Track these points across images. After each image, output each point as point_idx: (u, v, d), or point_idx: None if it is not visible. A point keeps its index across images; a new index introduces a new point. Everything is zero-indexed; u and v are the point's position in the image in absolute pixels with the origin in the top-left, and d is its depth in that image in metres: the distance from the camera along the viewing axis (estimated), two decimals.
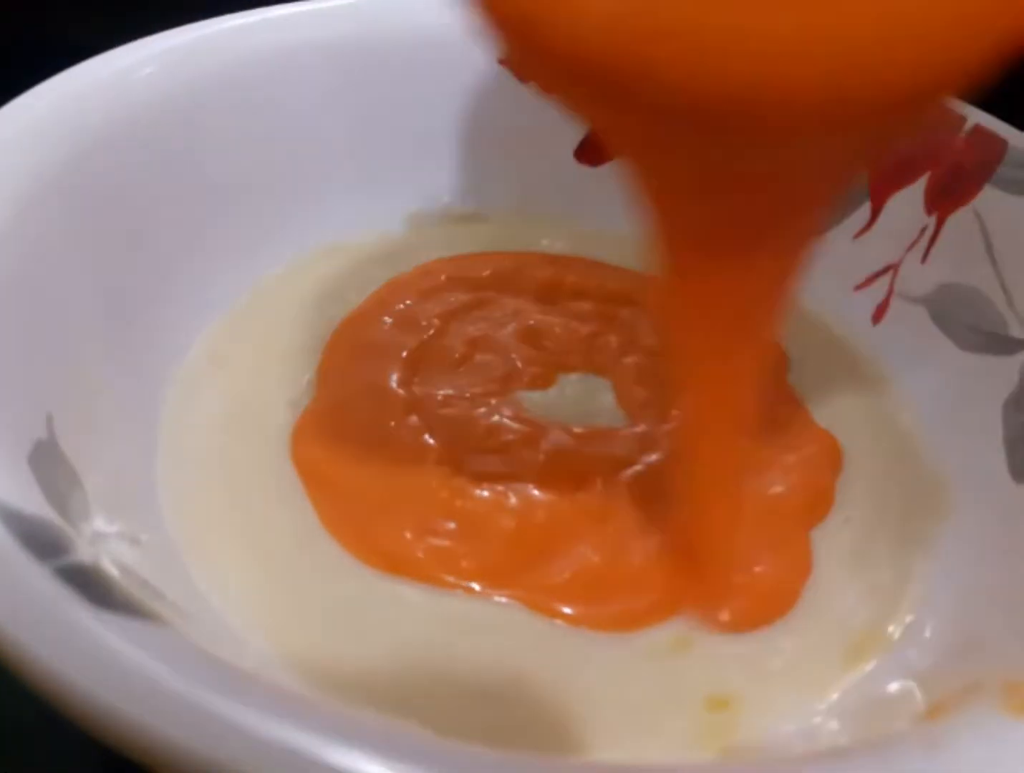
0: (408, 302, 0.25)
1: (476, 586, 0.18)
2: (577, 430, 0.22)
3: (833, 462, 0.22)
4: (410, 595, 0.18)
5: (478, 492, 0.20)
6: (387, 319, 0.24)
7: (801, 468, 0.21)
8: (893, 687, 0.17)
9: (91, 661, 0.11)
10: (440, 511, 0.19)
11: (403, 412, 0.21)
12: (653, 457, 0.21)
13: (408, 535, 0.19)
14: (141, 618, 0.12)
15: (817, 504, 0.21)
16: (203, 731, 0.11)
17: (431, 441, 0.21)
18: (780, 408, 0.23)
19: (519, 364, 0.23)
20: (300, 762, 0.11)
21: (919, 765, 0.11)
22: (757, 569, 0.19)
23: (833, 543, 0.20)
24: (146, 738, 0.11)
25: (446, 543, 0.19)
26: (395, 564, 0.19)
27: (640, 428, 0.22)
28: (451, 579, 0.18)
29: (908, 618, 0.19)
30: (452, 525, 0.19)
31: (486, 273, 0.26)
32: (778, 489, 0.21)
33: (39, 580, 0.12)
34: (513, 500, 0.20)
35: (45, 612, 0.12)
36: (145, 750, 0.11)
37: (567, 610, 0.18)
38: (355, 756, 0.11)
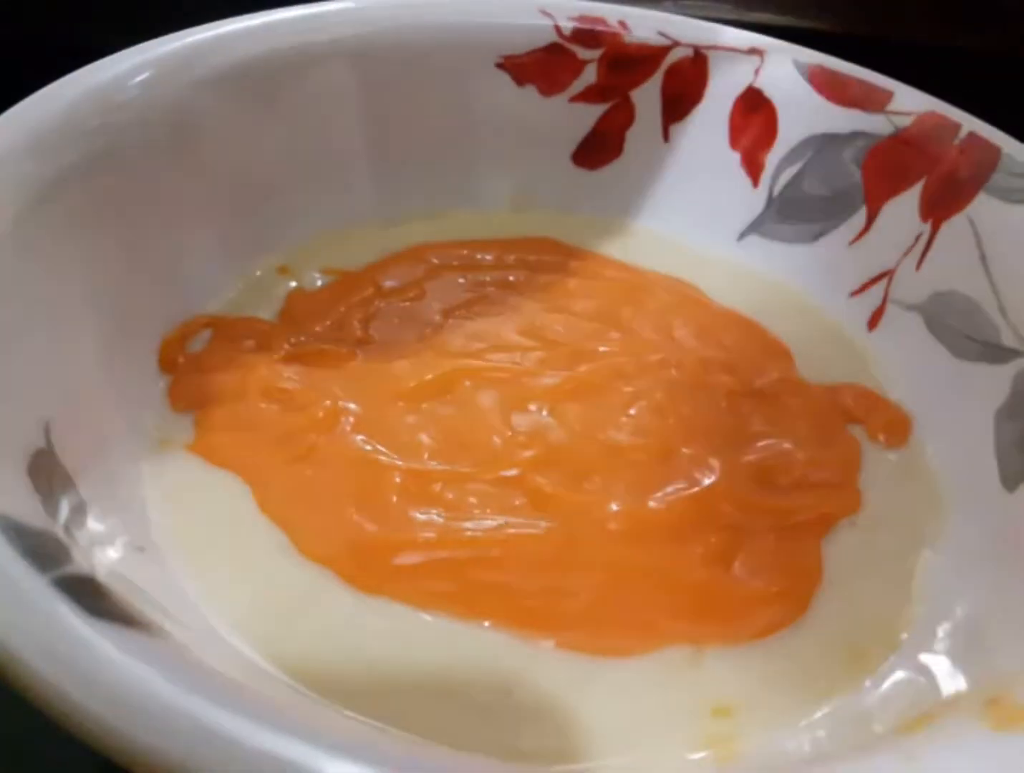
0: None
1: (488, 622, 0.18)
2: (576, 432, 0.22)
3: (854, 469, 0.22)
4: (402, 609, 0.18)
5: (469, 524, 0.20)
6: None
7: (827, 472, 0.22)
8: (896, 692, 0.17)
9: (86, 672, 0.11)
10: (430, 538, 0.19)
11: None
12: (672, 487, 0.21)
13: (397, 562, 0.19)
14: (135, 628, 0.12)
15: (833, 510, 0.21)
16: (195, 741, 0.11)
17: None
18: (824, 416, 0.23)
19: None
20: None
21: None
22: (770, 579, 0.19)
23: (840, 548, 0.20)
24: (140, 748, 0.11)
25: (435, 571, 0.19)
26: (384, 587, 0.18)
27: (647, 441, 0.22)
28: (437, 603, 0.18)
29: (911, 624, 0.19)
30: (444, 553, 0.19)
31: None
32: (798, 496, 0.21)
33: (37, 591, 0.12)
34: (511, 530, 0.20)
35: (43, 623, 0.12)
36: (140, 761, 0.11)
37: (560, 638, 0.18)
38: (347, 766, 0.11)
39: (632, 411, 0.23)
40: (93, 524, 0.16)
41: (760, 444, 0.22)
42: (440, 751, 0.12)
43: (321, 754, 0.11)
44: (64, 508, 0.15)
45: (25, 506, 0.14)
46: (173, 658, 0.12)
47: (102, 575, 0.14)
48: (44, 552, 0.13)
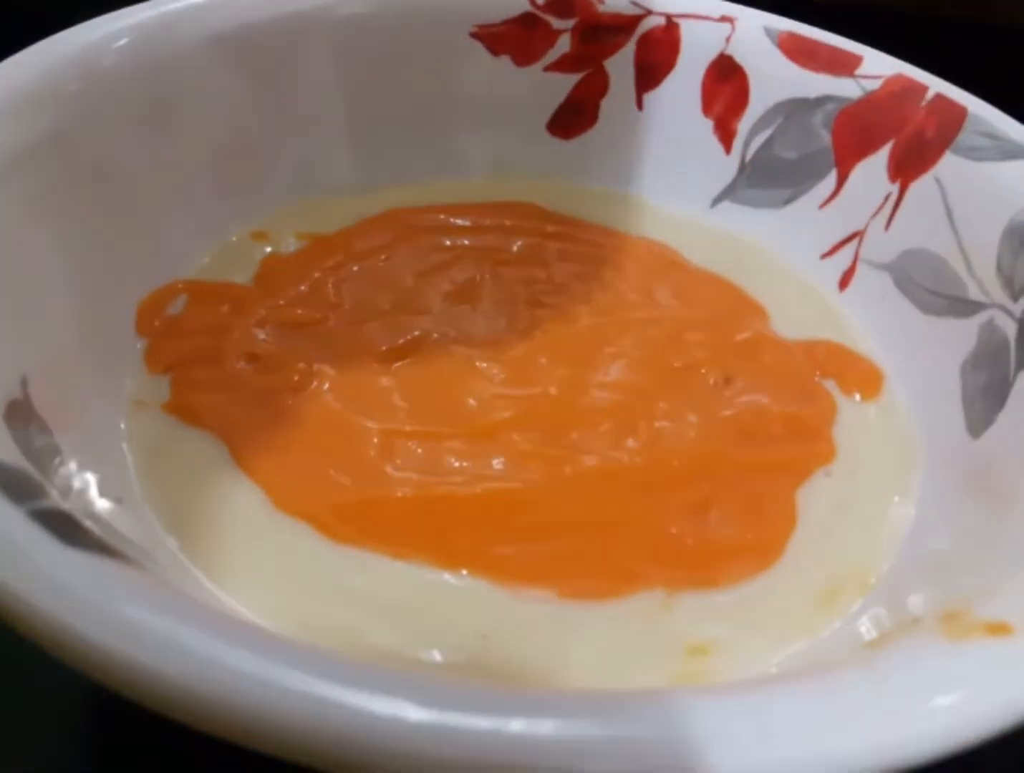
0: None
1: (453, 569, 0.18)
2: (553, 392, 0.22)
3: (828, 421, 0.22)
4: (379, 560, 0.18)
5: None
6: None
7: (803, 424, 0.22)
8: (867, 627, 0.17)
9: (62, 593, 0.11)
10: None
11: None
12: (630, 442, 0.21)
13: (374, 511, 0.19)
14: (110, 557, 0.12)
15: (808, 461, 0.21)
16: (170, 657, 0.11)
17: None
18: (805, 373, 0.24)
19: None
20: (252, 684, 0.11)
21: (858, 686, 0.12)
22: (744, 527, 0.20)
23: (814, 497, 0.21)
24: (122, 667, 0.11)
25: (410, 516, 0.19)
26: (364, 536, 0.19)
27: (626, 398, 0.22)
28: (414, 553, 0.18)
29: (884, 565, 0.19)
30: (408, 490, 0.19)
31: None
32: (774, 448, 0.21)
33: (14, 521, 0.12)
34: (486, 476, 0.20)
35: (19, 549, 0.12)
36: (127, 681, 0.11)
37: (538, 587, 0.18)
38: (316, 682, 0.11)
39: (612, 369, 0.23)
40: (71, 471, 0.16)
41: (737, 399, 0.22)
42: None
43: (299, 673, 0.11)
44: (42, 453, 0.15)
45: (2, 448, 0.14)
46: (144, 581, 0.12)
47: (79, 514, 0.14)
48: (20, 487, 0.13)
